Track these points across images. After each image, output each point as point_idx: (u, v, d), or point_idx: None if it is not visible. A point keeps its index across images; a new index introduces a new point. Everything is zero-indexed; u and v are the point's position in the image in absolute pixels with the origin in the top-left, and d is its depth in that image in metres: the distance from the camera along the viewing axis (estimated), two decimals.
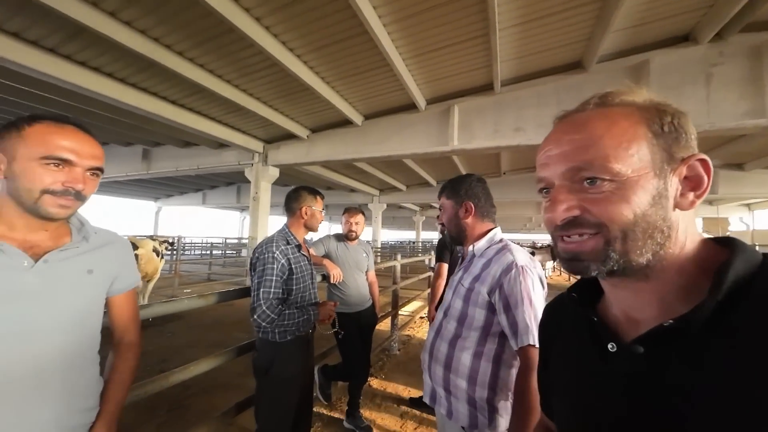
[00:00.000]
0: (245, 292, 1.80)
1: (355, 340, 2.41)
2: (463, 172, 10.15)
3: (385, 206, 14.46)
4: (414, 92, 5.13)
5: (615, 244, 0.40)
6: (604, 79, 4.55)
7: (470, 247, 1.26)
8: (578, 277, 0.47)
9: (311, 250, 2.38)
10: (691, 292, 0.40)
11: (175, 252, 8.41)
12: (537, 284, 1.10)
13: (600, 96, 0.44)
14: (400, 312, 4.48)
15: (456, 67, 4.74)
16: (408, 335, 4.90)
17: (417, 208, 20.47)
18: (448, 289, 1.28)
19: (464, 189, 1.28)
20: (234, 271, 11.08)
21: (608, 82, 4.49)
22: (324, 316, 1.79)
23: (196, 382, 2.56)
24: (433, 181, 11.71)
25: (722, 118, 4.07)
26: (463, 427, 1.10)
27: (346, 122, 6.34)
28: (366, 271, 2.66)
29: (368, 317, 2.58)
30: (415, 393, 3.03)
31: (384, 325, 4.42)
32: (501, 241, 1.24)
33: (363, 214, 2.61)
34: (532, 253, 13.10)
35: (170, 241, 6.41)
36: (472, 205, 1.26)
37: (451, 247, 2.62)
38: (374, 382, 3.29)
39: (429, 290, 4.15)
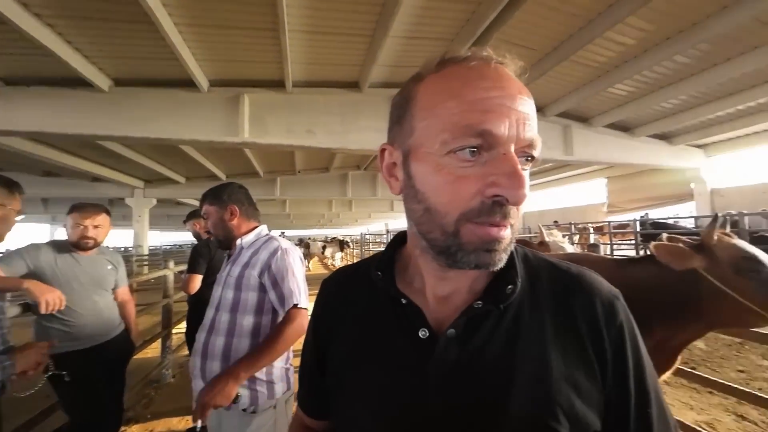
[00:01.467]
0: None
1: (90, 384, 1.75)
2: (258, 167, 9.72)
3: (154, 201, 11.44)
4: (191, 67, 4.35)
5: (515, 236, 0.38)
6: (374, 101, 5.59)
7: (239, 241, 1.39)
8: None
9: None
10: (490, 274, 0.42)
11: None
12: (298, 261, 1.34)
13: (504, 58, 0.39)
14: (174, 330, 3.70)
15: (246, 54, 4.42)
16: (187, 355, 4.13)
17: None
18: (216, 287, 1.35)
19: (227, 195, 1.42)
20: None
21: (378, 105, 5.63)
22: (25, 367, 1.23)
23: None
24: (222, 175, 10.43)
25: None
26: (244, 410, 1.17)
27: (78, 81, 4.48)
28: (114, 289, 1.99)
29: (118, 349, 1.95)
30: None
31: (152, 351, 3.52)
32: (267, 235, 1.43)
33: (107, 213, 1.92)
34: (324, 246, 14.38)
35: None
36: (237, 208, 1.41)
37: (211, 254, 2.49)
38: (135, 429, 2.55)
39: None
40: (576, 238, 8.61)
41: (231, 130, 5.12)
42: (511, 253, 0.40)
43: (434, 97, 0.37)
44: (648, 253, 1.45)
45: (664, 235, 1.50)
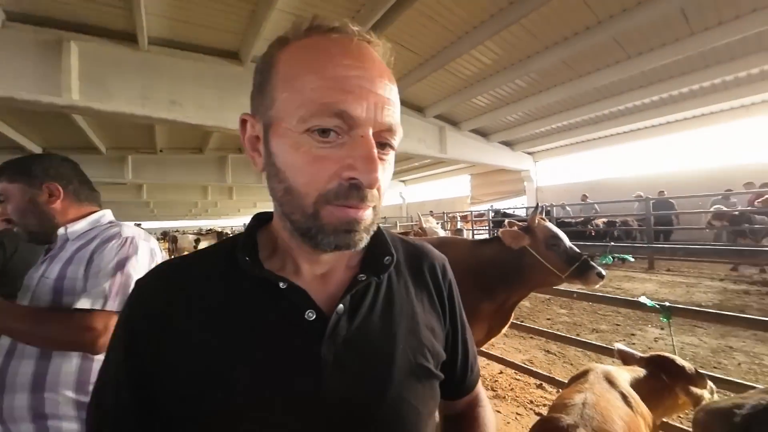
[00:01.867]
0: None
1: None
2: (97, 142, 7.57)
3: None
4: None
5: (378, 216, 0.40)
6: None
7: (61, 230, 1.02)
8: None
9: None
10: (360, 251, 0.45)
11: None
12: (143, 256, 0.99)
13: (368, 35, 0.38)
14: None
15: None
16: None
17: None
18: (20, 296, 0.97)
19: (41, 169, 1.04)
20: None
21: None
22: None
23: None
24: (36, 147, 7.68)
25: None
26: None
27: None
28: None
29: None
30: None
31: None
32: (110, 222, 1.09)
33: None
34: (197, 240, 12.41)
35: None
36: (59, 187, 1.05)
37: (6, 254, 1.82)
38: None
39: None
40: (447, 225, 10.16)
41: (49, 87, 3.79)
42: (380, 228, 0.45)
43: (295, 68, 0.36)
44: (496, 235, 1.82)
45: (507, 222, 1.90)
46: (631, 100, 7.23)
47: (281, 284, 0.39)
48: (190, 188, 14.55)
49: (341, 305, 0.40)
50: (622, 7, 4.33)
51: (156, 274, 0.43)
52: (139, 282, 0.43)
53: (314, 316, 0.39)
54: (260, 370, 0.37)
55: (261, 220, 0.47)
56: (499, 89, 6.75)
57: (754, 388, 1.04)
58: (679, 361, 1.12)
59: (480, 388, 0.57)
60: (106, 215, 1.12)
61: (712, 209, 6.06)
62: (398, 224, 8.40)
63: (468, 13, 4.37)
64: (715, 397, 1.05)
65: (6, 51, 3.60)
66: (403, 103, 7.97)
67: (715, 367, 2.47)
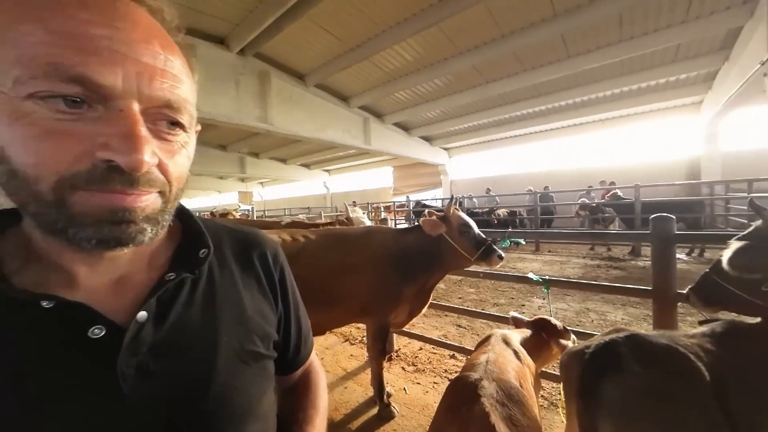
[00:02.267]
0: None
1: None
2: None
3: None
4: None
5: (171, 204, 0.35)
6: None
7: None
8: None
9: None
10: (169, 247, 0.42)
11: None
12: None
13: None
14: None
15: None
16: None
17: None
18: None
19: None
20: None
21: None
22: None
23: None
24: None
25: (246, 117, 5.49)
26: None
27: None
28: None
29: None
30: None
31: None
32: None
33: None
34: None
35: None
36: None
37: None
38: None
39: None
40: (371, 215, 10.43)
41: None
42: (196, 220, 0.45)
43: (7, 11, 0.27)
44: (416, 224, 1.97)
45: (426, 212, 2.07)
46: (525, 108, 8.48)
47: (44, 303, 0.30)
48: None
49: (143, 312, 0.35)
50: (520, 25, 5.01)
51: None
52: None
53: (103, 332, 0.32)
54: (38, 406, 0.30)
55: (2, 219, 0.36)
56: (419, 86, 7.14)
57: None
58: (554, 321, 1.42)
59: (313, 357, 0.61)
60: None
61: (578, 201, 7.61)
62: (322, 214, 8.28)
63: (393, 7, 4.48)
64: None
65: None
66: (328, 90, 7.71)
67: (577, 325, 3.16)
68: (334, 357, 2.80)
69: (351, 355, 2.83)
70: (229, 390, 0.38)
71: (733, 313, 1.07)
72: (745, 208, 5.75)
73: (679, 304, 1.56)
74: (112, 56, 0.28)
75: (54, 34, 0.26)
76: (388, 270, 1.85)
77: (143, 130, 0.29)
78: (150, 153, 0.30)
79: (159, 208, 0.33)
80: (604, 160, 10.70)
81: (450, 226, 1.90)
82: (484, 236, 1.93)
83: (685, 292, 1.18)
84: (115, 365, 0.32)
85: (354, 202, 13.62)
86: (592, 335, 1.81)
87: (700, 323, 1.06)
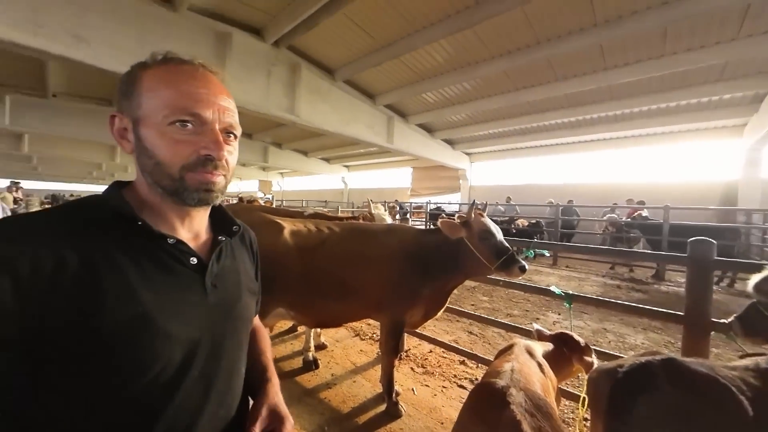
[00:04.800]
0: None
1: None
2: None
3: None
4: None
5: (227, 183, 0.59)
6: (192, 30, 4.48)
7: None
8: None
9: None
10: (215, 218, 0.68)
11: None
12: None
13: (212, 67, 0.59)
14: None
15: None
16: None
17: None
18: None
19: None
20: None
21: (195, 37, 4.53)
22: None
23: None
24: None
25: (274, 107, 5.59)
26: None
27: None
28: None
29: None
30: None
31: None
32: None
33: None
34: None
35: None
36: None
37: None
38: None
39: None
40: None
41: None
42: (223, 207, 0.68)
43: (157, 83, 0.53)
44: (435, 226, 1.95)
45: (445, 214, 2.05)
46: (554, 118, 8.24)
47: (170, 240, 0.55)
48: (91, 146, 12.23)
49: (214, 255, 0.60)
50: (557, 32, 4.88)
51: (18, 225, 0.47)
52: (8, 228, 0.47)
53: (196, 261, 0.57)
54: (162, 292, 0.51)
55: (120, 187, 0.59)
56: (447, 88, 7.07)
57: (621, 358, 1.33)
58: (576, 336, 1.37)
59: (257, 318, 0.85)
60: None
61: (605, 218, 7.36)
62: (339, 209, 8.34)
63: (429, 8, 4.46)
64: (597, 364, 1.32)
65: None
66: (356, 87, 7.76)
67: (593, 344, 3.06)
68: (344, 350, 2.82)
69: (360, 350, 2.83)
70: (245, 306, 0.65)
71: None
72: None
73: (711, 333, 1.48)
74: (208, 102, 0.54)
75: (181, 92, 0.53)
76: (407, 267, 1.84)
77: (221, 139, 0.55)
78: (225, 151, 0.55)
79: (223, 184, 0.58)
80: (632, 177, 10.30)
81: (471, 231, 1.87)
82: (506, 245, 1.87)
83: (726, 321, 1.11)
84: (203, 280, 0.57)
85: (370, 199, 13.67)
86: (609, 356, 1.74)
87: (742, 357, 1.00)
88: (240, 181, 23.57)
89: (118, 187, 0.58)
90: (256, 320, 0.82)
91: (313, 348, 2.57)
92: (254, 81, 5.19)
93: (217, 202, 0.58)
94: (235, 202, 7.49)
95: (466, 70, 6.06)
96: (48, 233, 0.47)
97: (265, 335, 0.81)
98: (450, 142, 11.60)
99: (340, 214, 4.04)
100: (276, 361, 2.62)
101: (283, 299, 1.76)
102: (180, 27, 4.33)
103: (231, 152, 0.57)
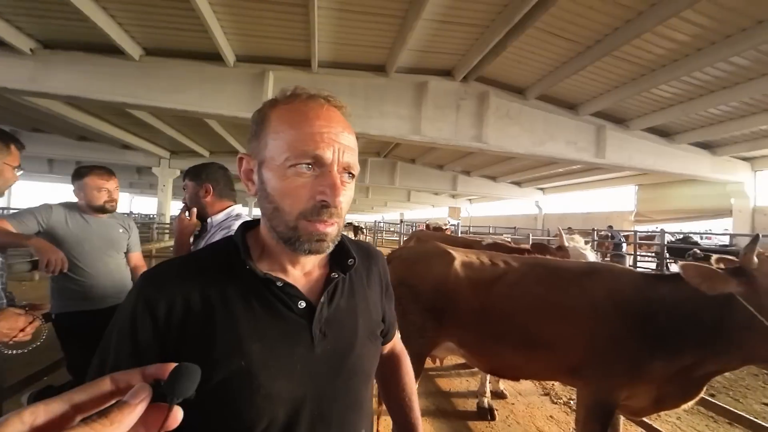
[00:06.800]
0: None
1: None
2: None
3: (178, 172, 11.77)
4: (220, 41, 4.34)
5: (340, 229, 0.54)
6: (398, 89, 5.45)
7: (209, 219, 1.49)
8: None
9: (8, 225, 1.57)
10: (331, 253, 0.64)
11: None
12: None
13: (337, 101, 0.55)
14: None
15: (273, 30, 4.37)
16: None
17: None
18: None
19: (205, 174, 1.52)
20: None
21: (401, 93, 5.48)
22: (6, 333, 1.06)
23: None
24: (205, 152, 10.55)
25: (462, 138, 5.84)
26: None
27: (111, 49, 4.57)
28: (127, 253, 2.04)
29: None
30: None
31: None
32: (239, 215, 1.52)
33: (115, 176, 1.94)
34: None
35: None
36: (211, 187, 1.50)
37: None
38: None
39: None
40: (594, 245, 8.25)
41: (255, 107, 5.04)
42: (343, 238, 0.60)
43: (282, 124, 0.51)
44: (676, 270, 1.33)
45: (698, 251, 1.36)
46: None
47: (278, 283, 0.52)
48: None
49: (323, 297, 0.55)
50: None
51: (167, 272, 0.53)
52: (151, 277, 0.52)
53: (305, 305, 0.53)
54: (267, 341, 0.50)
55: (247, 227, 0.60)
56: (698, 74, 5.03)
57: None
58: None
59: (397, 339, 0.79)
60: (236, 208, 1.57)
61: None
62: (531, 237, 7.42)
63: None
64: None
65: (233, 83, 5.07)
66: (551, 101, 7.00)
67: None
68: (527, 409, 2.39)
69: (550, 417, 2.30)
70: (361, 356, 0.58)
71: None
72: None
73: None
74: (330, 142, 0.49)
75: (304, 134, 0.49)
76: (621, 328, 1.35)
77: (339, 182, 0.49)
78: (341, 197, 0.49)
79: (336, 233, 0.53)
80: None
81: (752, 285, 1.16)
82: None
83: None
84: (311, 327, 0.53)
85: (569, 228, 11.41)
86: None
87: None
88: (433, 208, 25.91)
89: (243, 228, 0.59)
90: (398, 346, 0.79)
91: (489, 394, 2.32)
92: (445, 118, 5.67)
93: (329, 251, 0.53)
94: (422, 228, 8.20)
95: (737, 39, 4.12)
96: (187, 278, 0.51)
97: (408, 369, 0.78)
98: (706, 146, 8.04)
99: (527, 246, 3.57)
100: (447, 394, 2.56)
101: (453, 334, 1.69)
102: (390, 88, 5.41)
103: (346, 194, 0.52)
